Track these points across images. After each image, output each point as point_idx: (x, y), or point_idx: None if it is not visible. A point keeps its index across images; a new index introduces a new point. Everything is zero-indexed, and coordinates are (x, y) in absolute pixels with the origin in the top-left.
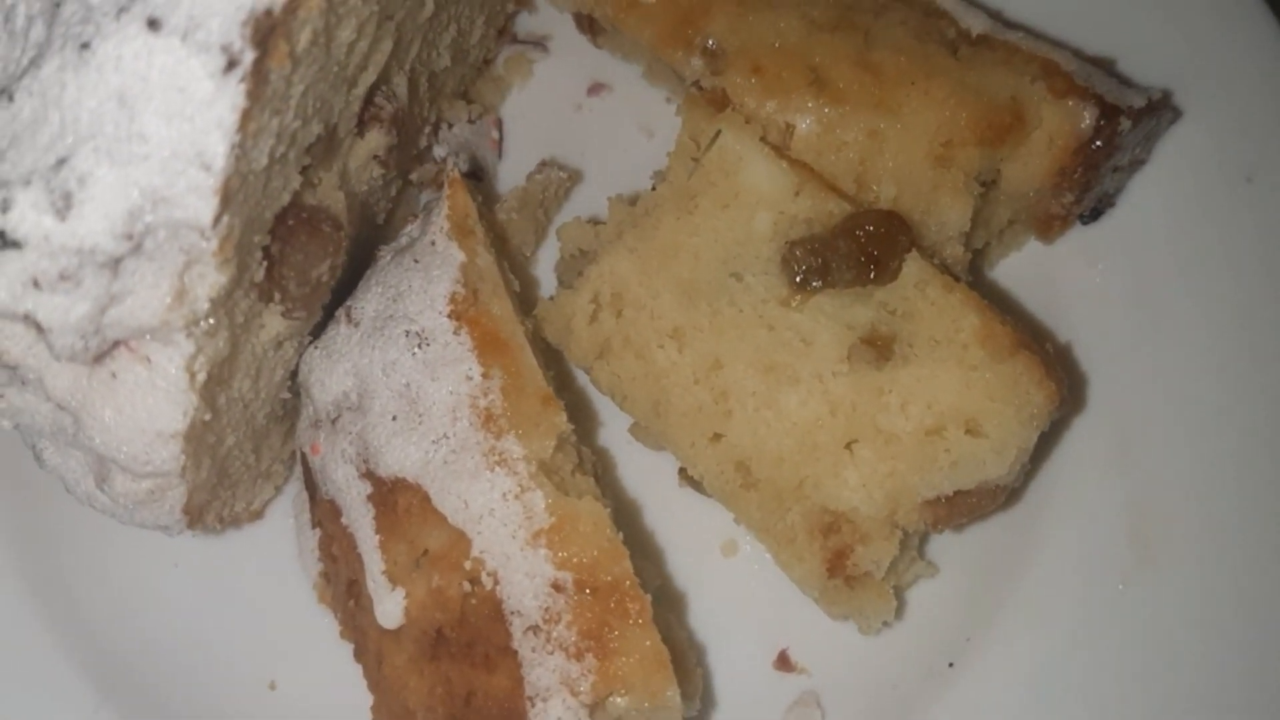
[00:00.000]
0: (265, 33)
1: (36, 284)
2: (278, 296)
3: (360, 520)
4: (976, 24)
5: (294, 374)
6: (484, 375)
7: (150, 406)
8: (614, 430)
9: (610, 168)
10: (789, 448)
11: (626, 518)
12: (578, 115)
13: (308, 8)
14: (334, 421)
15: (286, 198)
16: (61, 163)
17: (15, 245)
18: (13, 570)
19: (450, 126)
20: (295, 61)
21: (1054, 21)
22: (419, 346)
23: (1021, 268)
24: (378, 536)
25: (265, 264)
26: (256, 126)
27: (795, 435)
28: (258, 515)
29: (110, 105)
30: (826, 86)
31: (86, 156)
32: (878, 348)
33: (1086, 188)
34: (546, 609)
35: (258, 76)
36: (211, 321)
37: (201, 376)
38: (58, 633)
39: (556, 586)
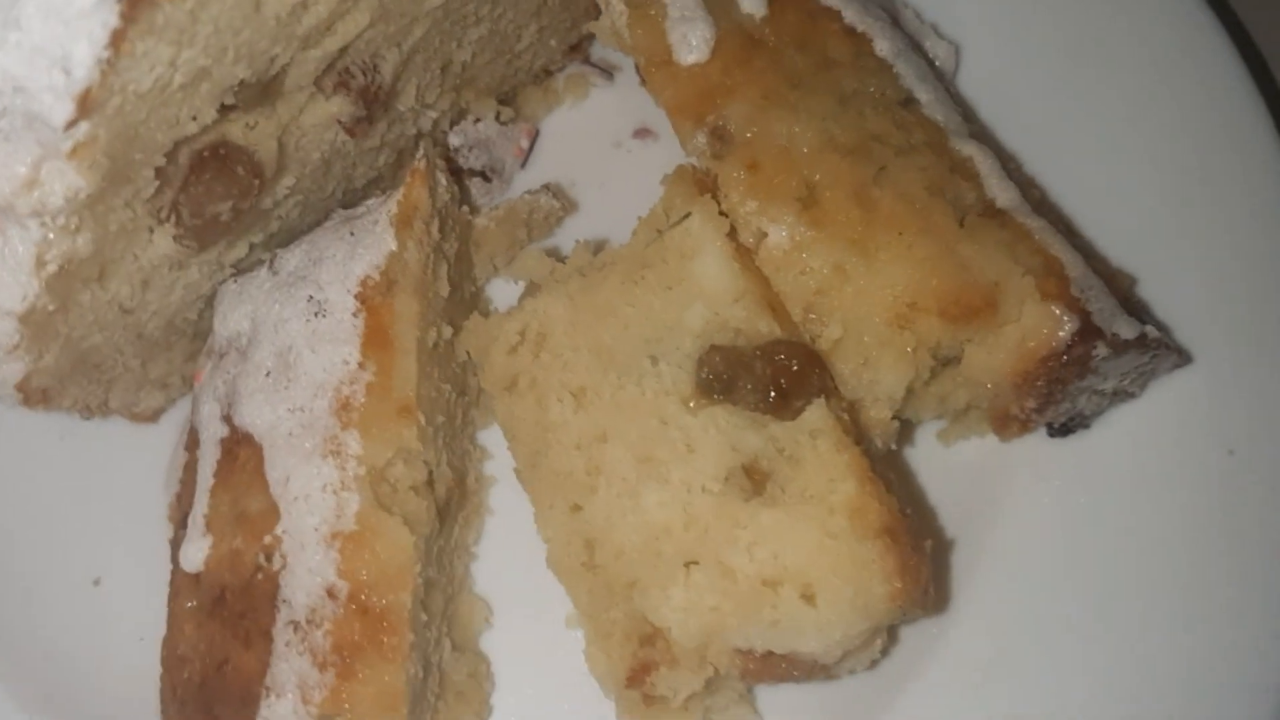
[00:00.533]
0: None
1: None
2: (172, 220)
3: (206, 459)
4: (1003, 197)
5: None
6: (359, 365)
7: None
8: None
9: (619, 212)
10: (633, 544)
11: (471, 558)
12: (614, 152)
13: None
14: (221, 357)
15: (193, 128)
16: None
17: None
18: None
19: (476, 120)
20: (199, 4)
21: (1096, 213)
22: (315, 314)
23: (975, 451)
24: (213, 480)
25: (158, 184)
26: (134, 49)
27: (643, 534)
28: (148, 418)
29: None
30: (813, 207)
31: None
32: (753, 480)
33: (1050, 400)
34: (313, 610)
35: (140, 2)
36: (74, 220)
37: (51, 268)
38: None
39: (331, 593)
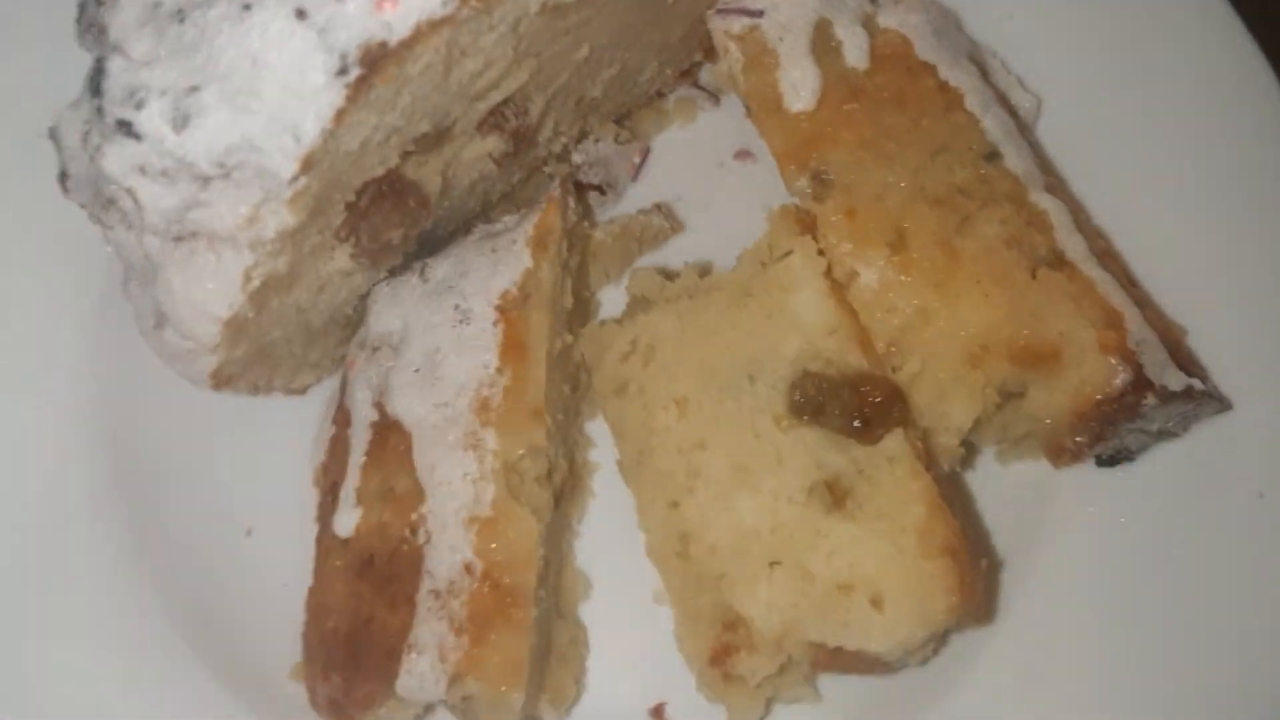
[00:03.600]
0: (375, 58)
1: (143, 170)
2: (351, 242)
3: (358, 438)
4: (1072, 250)
5: (365, 296)
6: (497, 370)
7: (208, 290)
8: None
9: (717, 231)
10: (725, 542)
11: (574, 535)
12: (716, 171)
13: (426, 46)
14: (374, 350)
15: (380, 171)
16: (194, 89)
17: (136, 136)
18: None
19: (596, 140)
20: (405, 81)
21: (1154, 267)
22: (460, 322)
23: (1027, 474)
24: (364, 458)
25: (346, 214)
26: (350, 122)
27: (734, 534)
28: (299, 392)
29: (245, 62)
30: (902, 251)
31: (213, 92)
32: (835, 496)
33: (1100, 437)
34: (452, 582)
35: (360, 87)
36: (278, 246)
37: (255, 284)
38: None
39: (468, 568)
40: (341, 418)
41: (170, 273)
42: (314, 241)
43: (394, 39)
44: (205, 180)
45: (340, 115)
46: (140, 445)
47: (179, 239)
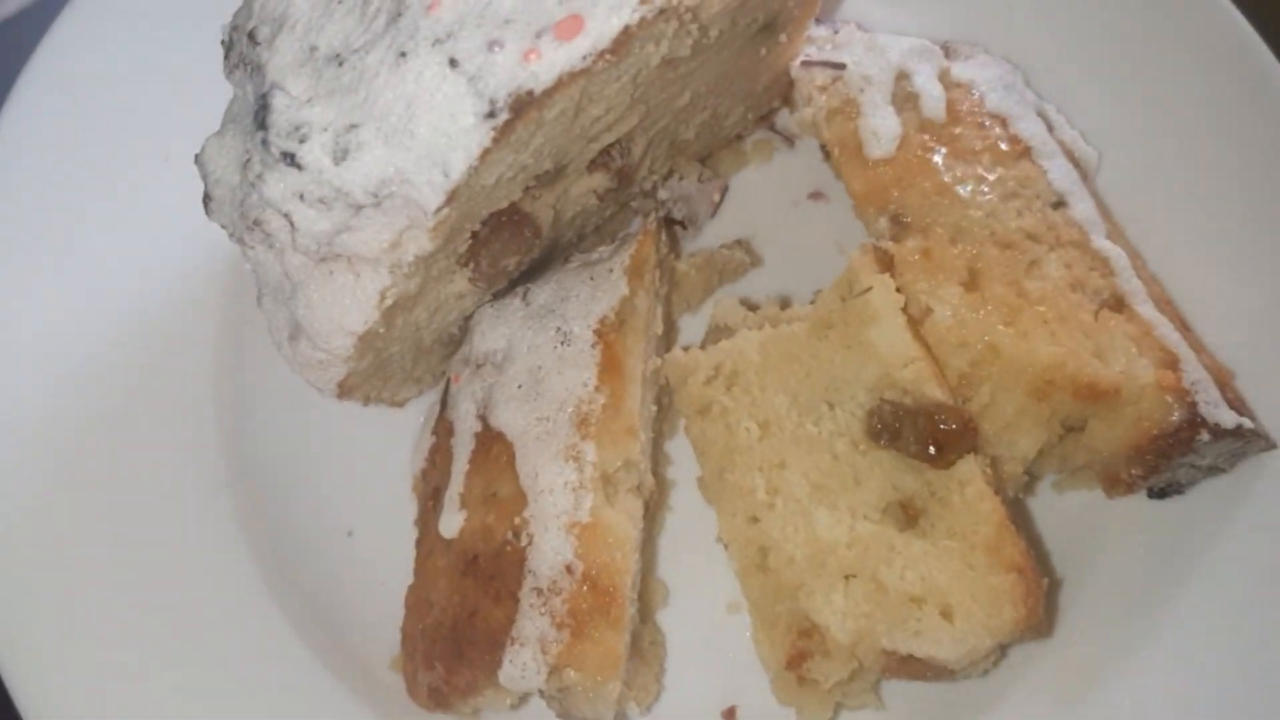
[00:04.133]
0: (523, 104)
1: (301, 197)
2: (471, 266)
3: (462, 447)
4: (1132, 294)
5: (469, 317)
6: (595, 388)
7: (345, 306)
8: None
9: (792, 265)
10: (803, 555)
11: (655, 546)
12: (792, 210)
13: (564, 94)
14: (478, 367)
15: (504, 204)
16: (352, 127)
17: (298, 166)
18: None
19: (680, 178)
20: (541, 124)
21: (1206, 313)
22: (562, 343)
23: (1083, 502)
24: (468, 466)
25: (470, 242)
26: (493, 159)
27: (812, 548)
28: (400, 404)
29: (400, 104)
30: (974, 290)
31: (370, 130)
32: (908, 515)
33: (1155, 470)
34: (554, 581)
35: (506, 130)
36: (412, 268)
37: (389, 302)
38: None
39: (569, 569)
40: (444, 428)
41: (311, 289)
42: (441, 265)
43: (539, 87)
44: (358, 208)
45: (485, 154)
46: (255, 452)
47: (323, 259)
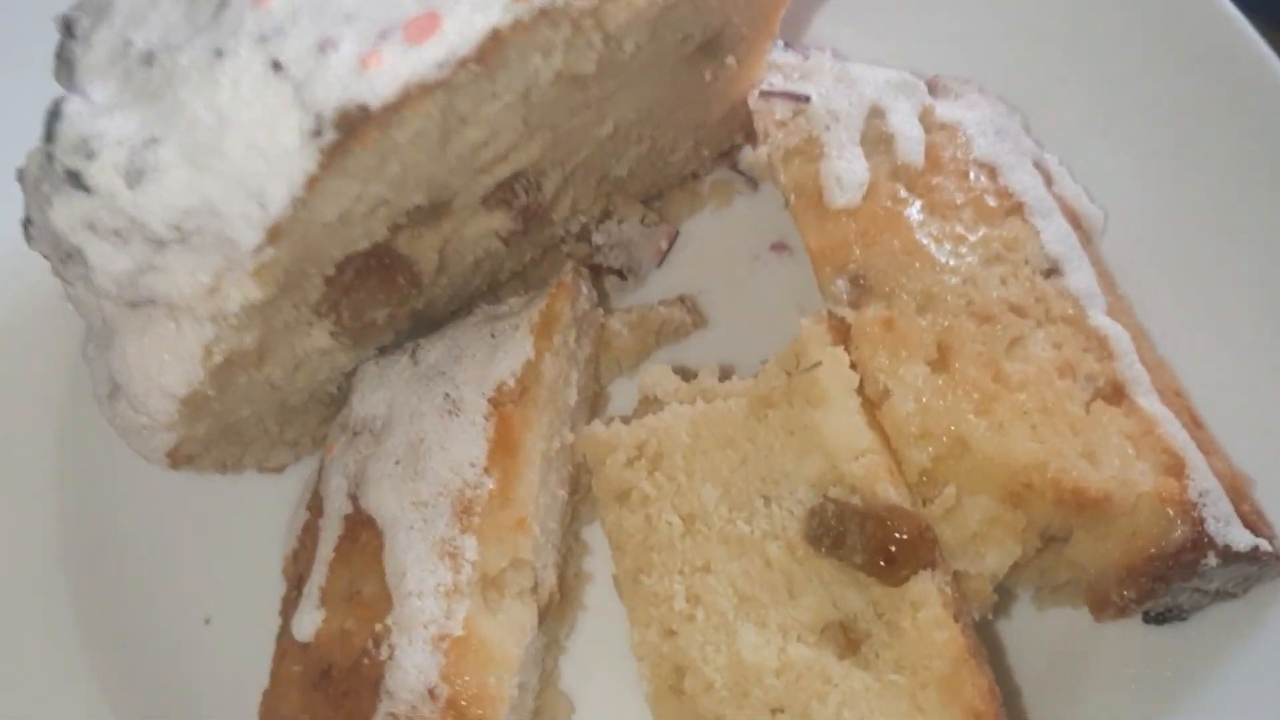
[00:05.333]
0: (354, 122)
1: (92, 227)
2: (331, 318)
3: (329, 531)
4: (1133, 382)
5: (352, 373)
6: (484, 470)
7: (164, 363)
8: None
9: (744, 329)
10: (724, 681)
11: (561, 653)
12: (750, 264)
13: (415, 112)
14: (355, 435)
15: (365, 244)
16: (152, 141)
17: (85, 189)
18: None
19: (620, 221)
20: (392, 149)
21: (1221, 407)
22: (449, 412)
23: (1065, 623)
24: (333, 554)
25: (324, 289)
26: (326, 190)
27: (735, 673)
28: (275, 470)
29: (210, 116)
30: (943, 371)
31: (172, 147)
32: (849, 639)
33: (1151, 593)
34: (413, 708)
35: (336, 153)
36: (244, 319)
37: (217, 359)
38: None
39: (432, 694)
40: (315, 504)
41: (125, 340)
42: (287, 317)
43: (377, 102)
44: (160, 244)
45: (313, 183)
46: (95, 519)
47: (134, 304)
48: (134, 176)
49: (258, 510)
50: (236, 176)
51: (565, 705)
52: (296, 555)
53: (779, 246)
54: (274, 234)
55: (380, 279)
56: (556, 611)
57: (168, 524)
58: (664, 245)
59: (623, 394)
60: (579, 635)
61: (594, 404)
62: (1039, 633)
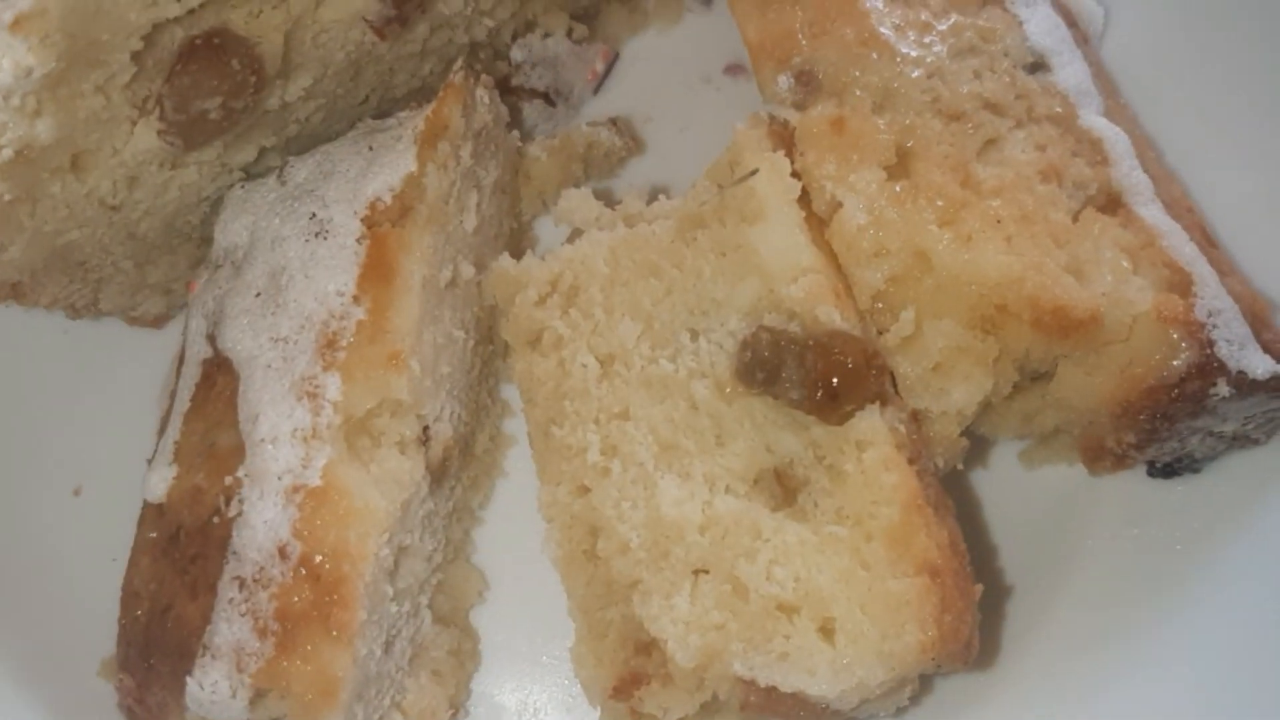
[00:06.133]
0: None
1: None
2: (156, 112)
3: (187, 380)
4: (1132, 190)
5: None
6: (353, 299)
7: None
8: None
9: (696, 158)
10: (641, 540)
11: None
12: (701, 88)
13: None
14: (217, 268)
15: (176, 10)
16: None
17: None
18: None
19: (545, 35)
20: None
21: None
22: (315, 235)
23: (1054, 483)
24: (189, 405)
25: (136, 71)
26: None
27: (653, 531)
28: (150, 324)
29: None
30: (901, 178)
31: None
32: (784, 488)
33: (1154, 437)
34: (261, 569)
35: None
36: (30, 101)
37: (7, 153)
38: None
39: (282, 552)
40: (180, 354)
41: None
42: (92, 104)
43: None
44: None
45: None
46: None
47: None
48: None
49: (136, 370)
50: None
51: (476, 579)
52: (166, 415)
53: (734, 69)
54: None
55: (208, 61)
56: (469, 477)
57: (32, 386)
58: (600, 68)
59: (552, 235)
60: (496, 505)
61: (517, 244)
62: (1027, 491)
